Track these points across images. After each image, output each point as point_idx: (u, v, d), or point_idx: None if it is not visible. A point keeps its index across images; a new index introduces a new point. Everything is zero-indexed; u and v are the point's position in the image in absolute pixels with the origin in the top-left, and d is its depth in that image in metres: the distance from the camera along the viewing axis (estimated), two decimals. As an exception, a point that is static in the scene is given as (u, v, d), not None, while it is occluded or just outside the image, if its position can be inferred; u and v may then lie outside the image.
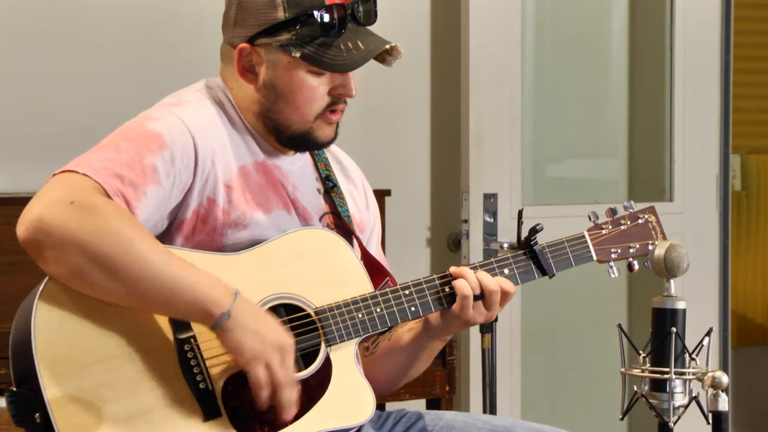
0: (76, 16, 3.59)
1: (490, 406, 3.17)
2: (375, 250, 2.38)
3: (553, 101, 4.21)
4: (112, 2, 3.62)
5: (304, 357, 2.11)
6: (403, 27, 3.94)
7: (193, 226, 2.10)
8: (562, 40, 4.26)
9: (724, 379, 2.04)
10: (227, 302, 1.97)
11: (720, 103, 4.27)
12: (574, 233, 2.33)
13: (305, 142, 2.20)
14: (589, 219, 2.34)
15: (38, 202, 1.93)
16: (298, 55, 2.12)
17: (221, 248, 2.11)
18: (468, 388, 3.84)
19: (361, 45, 2.14)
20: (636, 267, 2.35)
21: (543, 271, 2.27)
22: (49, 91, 3.57)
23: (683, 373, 2.09)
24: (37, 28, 3.55)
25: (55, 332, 1.94)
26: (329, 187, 2.29)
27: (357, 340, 2.15)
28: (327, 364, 2.11)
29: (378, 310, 2.16)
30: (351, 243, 2.26)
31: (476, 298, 2.18)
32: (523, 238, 2.29)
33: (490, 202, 3.85)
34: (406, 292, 2.19)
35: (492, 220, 3.85)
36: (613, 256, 2.34)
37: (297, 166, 2.26)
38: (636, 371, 2.11)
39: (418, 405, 3.36)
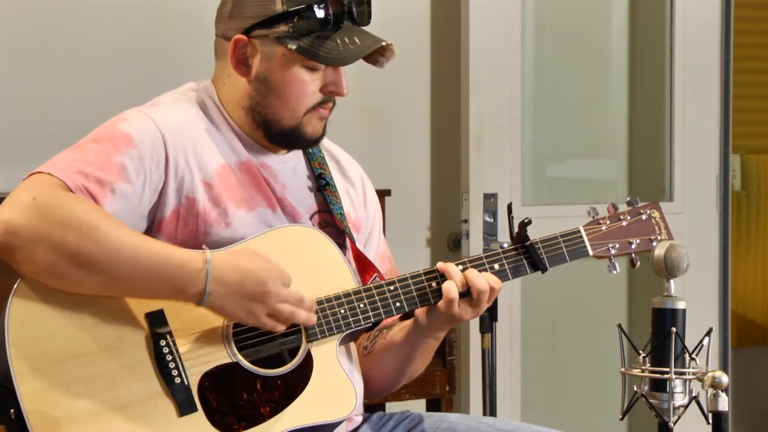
0: (76, 16, 3.59)
1: (490, 406, 3.16)
2: (375, 248, 2.38)
3: (553, 101, 4.20)
4: (112, 2, 3.62)
5: (285, 353, 2.10)
6: (403, 27, 3.94)
7: (175, 225, 2.11)
8: (562, 40, 4.26)
9: (724, 379, 2.04)
10: (200, 280, 1.98)
11: (720, 103, 4.27)
12: (570, 228, 2.31)
13: (294, 138, 2.21)
14: (588, 214, 2.33)
15: (5, 206, 1.96)
16: (294, 47, 2.13)
17: (206, 247, 2.11)
18: (468, 388, 3.85)
19: (357, 41, 2.15)
20: (638, 263, 2.34)
21: (535, 266, 2.26)
22: (48, 91, 3.57)
23: (683, 373, 2.09)
24: (37, 28, 3.55)
25: (28, 330, 1.95)
26: (322, 185, 2.28)
27: (340, 335, 2.14)
28: (308, 359, 2.11)
29: (361, 305, 2.15)
30: (343, 241, 2.26)
31: (462, 295, 2.17)
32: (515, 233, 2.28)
33: (490, 202, 3.85)
34: (391, 287, 2.18)
35: (492, 220, 3.85)
36: (612, 251, 2.32)
37: (289, 165, 2.26)
38: (636, 371, 2.11)
39: (418, 405, 3.36)
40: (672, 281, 2.13)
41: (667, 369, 2.08)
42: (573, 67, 4.25)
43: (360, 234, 2.34)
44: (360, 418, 2.29)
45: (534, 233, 2.27)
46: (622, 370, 2.14)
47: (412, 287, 2.19)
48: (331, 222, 2.27)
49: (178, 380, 2.00)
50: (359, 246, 2.30)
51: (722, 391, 2.04)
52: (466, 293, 2.17)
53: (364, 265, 2.26)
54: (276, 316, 2.03)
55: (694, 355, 2.10)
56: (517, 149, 3.94)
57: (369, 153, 3.86)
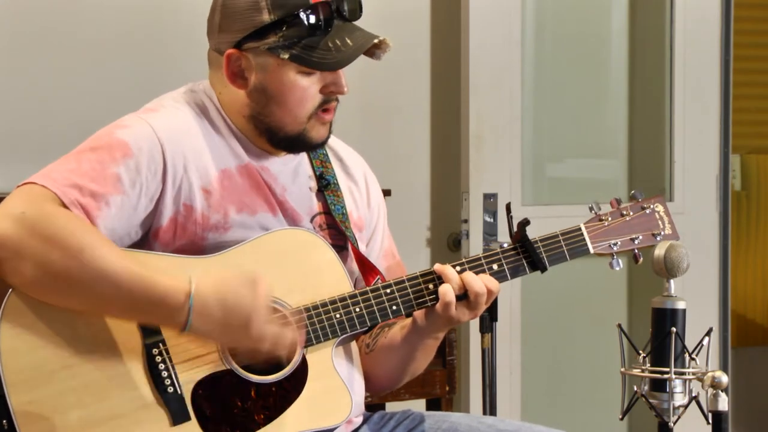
0: (76, 16, 3.59)
1: (490, 406, 3.16)
2: (380, 243, 2.36)
3: (553, 101, 4.20)
4: (112, 2, 3.62)
5: (280, 359, 2.08)
6: (404, 27, 3.94)
7: (173, 233, 2.09)
8: (562, 40, 4.26)
9: (724, 379, 2.04)
10: (182, 312, 1.96)
11: (720, 103, 4.27)
12: (570, 226, 2.27)
13: (299, 144, 2.19)
14: (591, 210, 2.28)
15: None
16: (286, 56, 2.11)
17: (203, 251, 2.10)
18: (468, 388, 3.84)
19: (349, 41, 2.13)
20: (641, 259, 2.27)
21: (534, 266, 2.22)
22: (48, 91, 3.56)
23: (683, 373, 2.09)
24: (37, 28, 3.54)
25: (19, 339, 1.94)
26: (323, 185, 2.27)
27: (335, 340, 2.13)
28: (303, 365, 2.10)
29: (357, 309, 2.13)
30: (344, 243, 2.25)
31: (459, 298, 2.15)
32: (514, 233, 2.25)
33: (490, 202, 3.85)
34: (388, 290, 2.16)
35: (492, 220, 3.85)
36: (614, 248, 2.27)
37: (290, 166, 2.24)
38: (636, 371, 2.11)
39: (418, 405, 3.35)
40: (672, 281, 2.13)
41: (667, 369, 2.08)
42: (573, 67, 4.25)
43: (363, 232, 2.33)
44: (360, 419, 2.28)
45: (534, 233, 2.24)
46: (622, 370, 2.14)
47: (409, 290, 2.17)
48: (333, 224, 2.26)
49: (171, 389, 2.00)
50: (362, 245, 2.30)
51: (722, 391, 2.04)
52: (463, 296, 2.15)
53: (366, 268, 2.25)
54: (261, 342, 2.00)
55: (694, 355, 2.10)
56: (517, 149, 3.94)
57: (369, 153, 3.83)
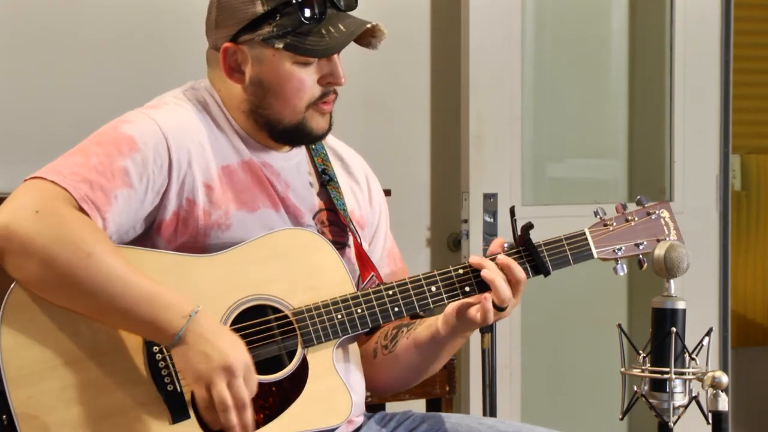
0: (76, 16, 3.59)
1: (490, 406, 3.16)
2: (382, 245, 2.36)
3: (553, 101, 4.20)
4: (112, 2, 3.62)
5: (282, 358, 2.09)
6: (404, 27, 3.94)
7: (175, 228, 2.10)
8: (562, 40, 4.26)
9: (724, 379, 2.04)
10: (179, 324, 1.95)
11: (720, 103, 4.27)
12: (575, 230, 2.26)
13: (299, 135, 2.19)
14: (596, 215, 2.27)
15: (5, 208, 1.95)
16: (281, 46, 2.12)
17: (205, 249, 2.10)
18: (468, 388, 3.84)
19: (342, 28, 2.13)
20: (645, 264, 2.25)
21: (537, 270, 2.21)
22: (48, 91, 3.56)
23: (683, 373, 2.08)
24: (37, 28, 3.54)
25: (21, 335, 1.95)
26: (325, 181, 2.27)
27: (336, 341, 2.12)
28: (303, 365, 2.09)
29: (359, 310, 2.13)
30: (346, 239, 2.25)
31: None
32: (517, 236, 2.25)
33: (490, 202, 3.85)
34: (389, 292, 2.15)
35: (492, 220, 3.85)
36: (618, 253, 2.26)
37: (292, 162, 2.24)
38: (636, 371, 2.11)
39: (418, 405, 3.35)
40: (672, 281, 2.12)
41: (667, 369, 2.08)
42: (573, 67, 4.25)
43: (365, 231, 2.33)
44: (361, 419, 2.28)
45: (534, 233, 2.23)
46: (622, 370, 2.14)
47: (411, 292, 2.17)
48: (336, 220, 2.26)
49: (170, 387, 2.00)
50: (364, 243, 2.30)
51: (722, 391, 2.04)
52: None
53: (364, 264, 2.25)
54: (217, 398, 1.95)
55: (694, 355, 2.10)
56: (517, 149, 3.94)
57: (369, 153, 3.82)
